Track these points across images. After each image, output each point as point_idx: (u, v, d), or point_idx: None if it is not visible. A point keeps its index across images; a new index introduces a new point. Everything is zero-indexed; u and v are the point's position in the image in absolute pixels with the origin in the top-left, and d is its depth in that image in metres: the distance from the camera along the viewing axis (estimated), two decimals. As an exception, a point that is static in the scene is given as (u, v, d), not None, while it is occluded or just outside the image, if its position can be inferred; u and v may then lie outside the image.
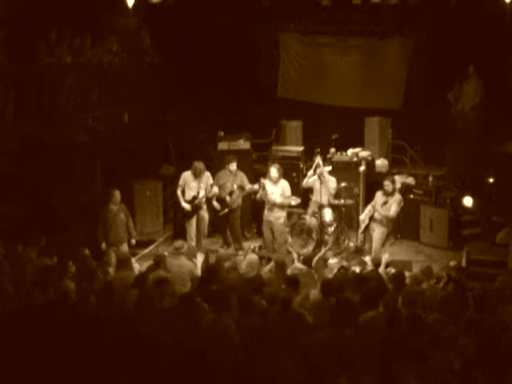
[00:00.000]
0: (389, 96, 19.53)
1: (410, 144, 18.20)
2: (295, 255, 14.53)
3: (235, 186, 15.47)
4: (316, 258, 14.48)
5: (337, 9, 19.22)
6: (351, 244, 15.38)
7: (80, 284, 10.72)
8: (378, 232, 14.86)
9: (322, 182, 15.10)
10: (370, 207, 15.09)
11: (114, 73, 17.37)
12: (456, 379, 7.48)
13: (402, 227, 16.58)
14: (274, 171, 15.09)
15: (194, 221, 15.30)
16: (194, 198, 15.14)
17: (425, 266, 11.78)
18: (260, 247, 15.32)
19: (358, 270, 13.63)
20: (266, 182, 15.07)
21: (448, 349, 8.03)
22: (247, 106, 18.87)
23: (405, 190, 16.57)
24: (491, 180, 16.49)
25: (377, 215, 14.85)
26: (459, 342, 8.17)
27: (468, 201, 16.04)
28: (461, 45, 17.46)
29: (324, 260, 14.75)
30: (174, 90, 18.39)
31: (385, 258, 14.06)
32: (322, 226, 15.09)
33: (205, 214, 15.43)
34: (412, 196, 16.63)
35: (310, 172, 15.54)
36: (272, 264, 12.39)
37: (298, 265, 12.31)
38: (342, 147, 17.39)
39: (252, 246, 15.36)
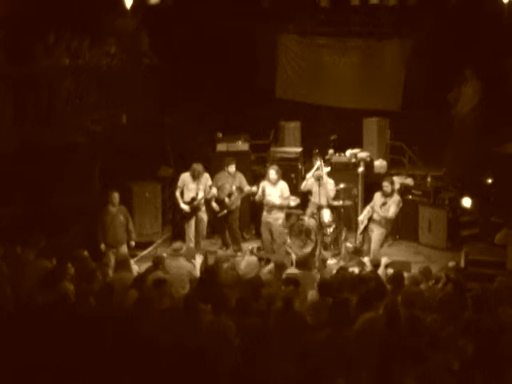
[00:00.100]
0: (387, 97, 19.54)
1: (409, 145, 18.21)
2: (294, 256, 14.52)
3: (234, 188, 15.48)
4: (315, 259, 14.53)
5: (335, 10, 19.25)
6: (350, 245, 15.37)
7: (79, 285, 10.72)
8: (376, 233, 14.86)
9: (320, 184, 15.09)
10: (368, 208, 15.09)
11: (113, 74, 17.35)
12: (455, 380, 7.48)
13: (401, 228, 16.58)
14: (272, 172, 15.10)
15: (192, 222, 15.31)
16: (193, 199, 15.15)
17: (423, 267, 11.78)
18: (259, 248, 15.32)
19: (356, 270, 13.64)
20: (265, 184, 15.09)
21: (447, 349, 8.03)
22: (246, 107, 18.86)
23: (403, 190, 16.57)
24: (490, 181, 16.51)
25: (375, 216, 14.85)
26: (458, 342, 8.16)
27: (467, 201, 16.05)
28: (459, 46, 17.48)
29: (323, 261, 14.76)
30: (172, 92, 18.39)
31: (384, 260, 14.11)
32: (321, 226, 15.10)
33: (203, 215, 15.44)
34: (411, 197, 16.64)
35: (309, 175, 15.54)
36: (271, 265, 12.38)
37: (292, 270, 12.21)
38: (341, 148, 17.42)
39: (250, 247, 15.37)
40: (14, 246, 12.06)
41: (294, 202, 15.36)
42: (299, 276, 11.14)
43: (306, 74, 20.35)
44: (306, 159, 17.20)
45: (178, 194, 15.27)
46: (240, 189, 15.54)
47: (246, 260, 12.86)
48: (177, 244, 12.73)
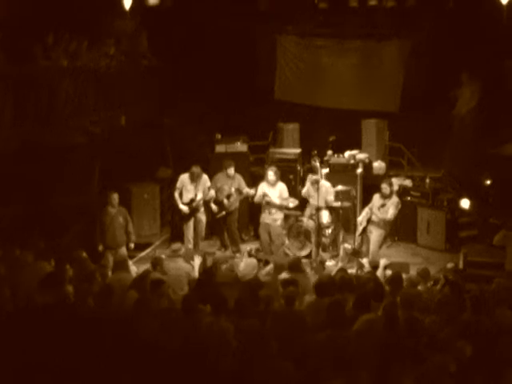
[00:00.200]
0: (386, 98, 19.55)
1: (407, 146, 18.23)
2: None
3: (233, 189, 15.49)
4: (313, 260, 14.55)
5: (334, 11, 19.24)
6: (349, 246, 15.38)
7: (78, 286, 10.71)
8: (375, 234, 14.87)
9: (317, 188, 15.07)
10: (367, 209, 15.09)
11: (111, 76, 17.37)
12: (453, 381, 7.49)
13: (399, 229, 16.58)
14: (271, 174, 15.12)
15: (191, 223, 15.32)
16: (192, 200, 15.16)
17: (421, 268, 11.79)
18: (257, 250, 15.32)
19: (355, 272, 13.65)
20: (264, 185, 15.11)
21: (445, 351, 8.04)
22: (244, 109, 18.87)
23: (402, 192, 16.59)
24: (488, 182, 16.51)
25: (374, 217, 14.86)
26: (456, 344, 8.17)
27: (465, 203, 16.06)
28: (458, 47, 17.50)
29: (321, 262, 14.77)
30: (171, 93, 18.40)
31: (383, 261, 14.12)
32: (320, 228, 15.10)
33: (202, 216, 15.45)
34: (409, 198, 16.65)
35: (307, 182, 15.53)
36: (270, 266, 12.38)
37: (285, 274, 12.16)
38: (339, 149, 17.41)
39: (249, 249, 15.38)
40: (13, 247, 12.06)
41: (292, 203, 15.37)
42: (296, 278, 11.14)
43: (305, 76, 20.35)
44: (305, 160, 17.20)
45: (176, 195, 15.28)
46: (239, 190, 15.55)
47: (244, 261, 12.87)
48: (175, 245, 12.74)
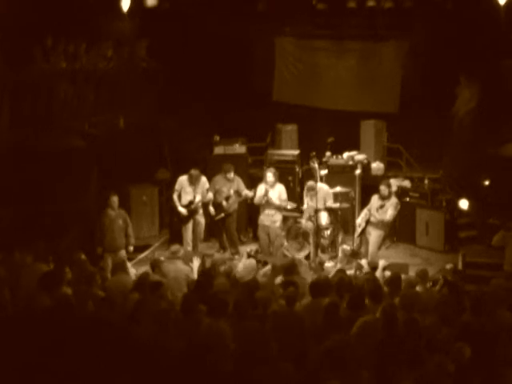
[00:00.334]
0: (384, 99, 19.55)
1: (406, 147, 18.24)
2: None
3: (232, 191, 15.50)
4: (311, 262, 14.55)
5: (332, 13, 19.29)
6: (347, 247, 15.37)
7: (78, 289, 10.71)
8: (374, 235, 14.87)
9: (314, 194, 15.06)
10: (366, 211, 15.09)
11: (110, 78, 17.37)
12: (452, 382, 7.48)
13: (398, 230, 16.56)
14: (269, 175, 15.13)
15: (190, 225, 15.32)
16: (190, 202, 15.15)
17: (420, 269, 11.78)
18: (256, 251, 15.31)
19: (354, 273, 13.64)
20: (263, 187, 15.12)
21: (444, 352, 8.03)
22: (243, 110, 18.84)
23: (401, 193, 16.59)
24: (487, 183, 16.50)
25: (373, 219, 14.86)
26: (455, 345, 8.16)
27: (464, 203, 16.05)
28: (456, 48, 17.50)
29: (320, 264, 14.76)
30: (169, 95, 18.39)
31: (382, 262, 14.12)
32: (318, 229, 15.10)
33: (201, 218, 15.44)
34: (408, 199, 16.65)
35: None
36: (268, 268, 12.38)
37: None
38: (338, 151, 17.42)
39: (248, 250, 15.37)
40: (12, 249, 12.06)
41: (290, 206, 15.41)
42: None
43: (303, 77, 20.35)
44: (304, 162, 17.20)
45: (175, 197, 15.29)
46: (238, 192, 15.56)
47: (243, 262, 12.85)
48: (174, 247, 12.75)
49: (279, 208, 15.15)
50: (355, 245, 15.38)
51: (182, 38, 18.79)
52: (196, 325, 9.04)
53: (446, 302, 10.05)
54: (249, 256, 14.63)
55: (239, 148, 17.28)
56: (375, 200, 14.97)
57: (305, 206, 15.48)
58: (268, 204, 15.13)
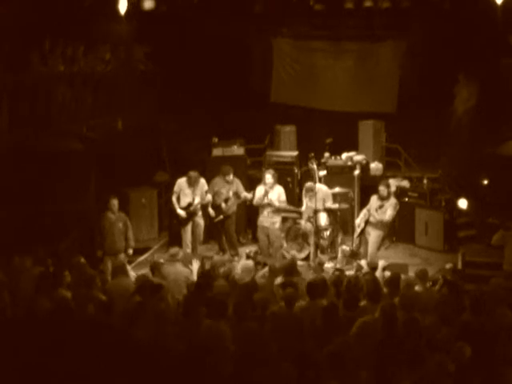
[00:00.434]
0: (382, 99, 19.53)
1: (404, 147, 18.24)
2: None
3: (231, 193, 15.50)
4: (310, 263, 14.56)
5: (329, 13, 19.25)
6: (347, 248, 15.37)
7: (77, 292, 10.71)
8: (373, 235, 14.86)
9: (313, 195, 15.05)
10: (365, 211, 15.09)
11: (108, 81, 17.38)
12: (452, 382, 7.48)
13: (398, 230, 16.54)
14: (268, 177, 15.12)
15: (189, 227, 15.31)
16: (189, 204, 15.15)
17: (420, 269, 11.77)
18: (256, 252, 15.31)
19: (353, 273, 13.63)
20: (262, 188, 15.12)
21: (444, 351, 8.03)
22: (241, 112, 18.84)
23: (400, 193, 16.58)
24: (486, 182, 16.50)
25: (372, 219, 14.85)
26: (455, 344, 8.16)
27: (463, 203, 16.05)
28: (454, 47, 17.51)
29: (320, 264, 14.74)
30: (167, 97, 18.39)
31: (381, 262, 14.11)
32: (318, 230, 15.10)
33: (200, 220, 15.44)
34: (407, 199, 16.64)
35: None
36: (266, 269, 12.38)
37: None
38: (336, 151, 17.40)
39: (248, 251, 15.36)
40: (11, 251, 12.06)
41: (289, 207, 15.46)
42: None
43: (301, 78, 20.33)
44: (302, 163, 17.19)
45: (174, 199, 15.29)
46: (237, 194, 15.56)
47: (241, 264, 12.84)
48: (173, 249, 12.73)
49: (279, 209, 15.15)
50: (354, 245, 15.37)
51: (179, 40, 18.78)
52: (196, 327, 9.04)
53: (446, 301, 10.06)
54: (248, 257, 14.63)
55: (237, 150, 17.28)
56: (374, 200, 14.96)
57: (303, 207, 15.48)
58: (267, 205, 15.12)
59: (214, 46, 18.85)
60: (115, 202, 14.21)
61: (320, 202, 15.05)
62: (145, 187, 17.12)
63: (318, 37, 19.98)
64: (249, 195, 15.45)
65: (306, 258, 15.23)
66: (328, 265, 14.81)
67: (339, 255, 15.24)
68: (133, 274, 12.79)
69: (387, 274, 13.25)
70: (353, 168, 16.99)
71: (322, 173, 16.15)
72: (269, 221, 15.14)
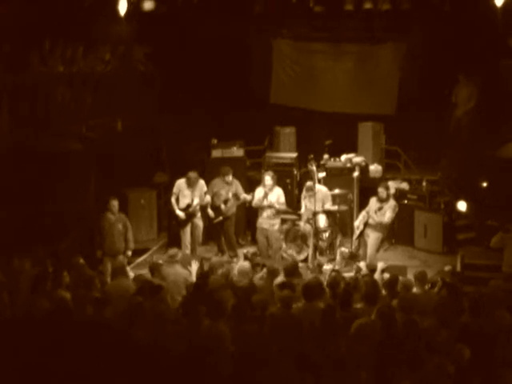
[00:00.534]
0: (382, 101, 19.52)
1: (404, 149, 18.21)
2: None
3: (230, 194, 15.49)
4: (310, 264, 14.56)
5: (329, 15, 19.25)
6: (346, 250, 15.36)
7: (76, 293, 10.70)
8: (372, 237, 14.86)
9: (313, 195, 15.05)
10: (364, 213, 15.09)
11: (107, 81, 17.37)
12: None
13: (397, 232, 16.54)
14: (268, 179, 15.10)
15: (188, 229, 15.31)
16: (188, 205, 15.15)
17: (419, 271, 11.77)
18: (254, 254, 15.30)
19: (352, 275, 13.63)
20: (261, 189, 15.12)
21: (443, 354, 8.03)
22: (240, 113, 18.83)
23: (399, 195, 16.57)
24: (485, 184, 16.49)
25: (371, 221, 14.86)
26: (455, 346, 8.17)
27: (462, 205, 16.04)
28: (454, 49, 17.51)
29: (319, 266, 14.75)
30: (167, 98, 18.39)
31: (380, 265, 14.10)
32: (317, 232, 15.09)
33: (199, 221, 15.44)
34: (406, 201, 16.63)
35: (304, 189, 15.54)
36: (264, 271, 12.37)
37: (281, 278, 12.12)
38: (336, 153, 17.40)
39: (245, 251, 15.36)
40: (11, 251, 12.05)
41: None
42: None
43: (301, 80, 20.32)
44: (302, 164, 17.18)
45: (173, 200, 15.29)
46: (236, 196, 15.56)
47: (238, 266, 12.80)
48: (172, 250, 12.70)
49: (279, 211, 15.14)
50: (353, 247, 15.39)
51: (179, 41, 18.77)
52: (196, 327, 9.04)
53: (445, 303, 10.06)
54: (245, 257, 14.63)
55: (237, 151, 17.28)
56: (373, 202, 14.97)
57: (302, 209, 15.47)
58: (267, 207, 15.11)
59: (213, 47, 18.84)
60: (115, 203, 14.21)
61: (319, 203, 15.04)
62: (144, 188, 17.12)
63: (318, 38, 19.97)
64: (248, 197, 15.45)
65: (305, 260, 15.21)
66: (327, 267, 14.83)
67: (338, 257, 15.24)
68: (132, 275, 12.79)
69: (386, 276, 13.23)
70: (352, 170, 16.99)
71: (322, 174, 16.14)
72: (268, 222, 15.13)
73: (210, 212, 15.55)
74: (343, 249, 15.40)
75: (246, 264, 12.55)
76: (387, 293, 10.73)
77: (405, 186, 17.06)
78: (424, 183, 16.87)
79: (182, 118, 18.42)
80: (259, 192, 15.22)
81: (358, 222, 15.11)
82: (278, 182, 15.48)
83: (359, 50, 19.74)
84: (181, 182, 15.26)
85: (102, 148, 16.18)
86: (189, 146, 18.35)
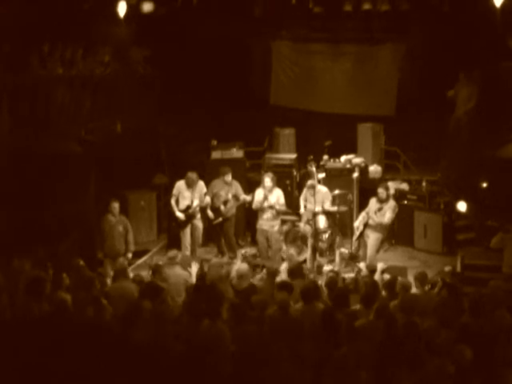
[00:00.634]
0: (381, 102, 19.54)
1: (403, 150, 18.23)
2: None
3: (230, 196, 15.49)
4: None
5: (328, 16, 19.26)
6: (345, 251, 15.36)
7: (76, 295, 10.70)
8: (372, 238, 14.86)
9: (314, 193, 15.06)
10: (364, 214, 15.09)
11: (107, 83, 17.37)
12: (452, 384, 7.50)
13: (397, 233, 16.54)
14: (267, 180, 15.10)
15: (188, 230, 15.32)
16: (188, 207, 15.16)
17: (419, 272, 11.78)
18: (254, 255, 15.30)
19: (352, 276, 13.63)
20: (261, 191, 15.12)
21: (444, 354, 8.03)
22: (240, 114, 18.84)
23: (398, 195, 16.57)
24: (485, 185, 16.48)
25: (371, 222, 14.86)
26: (455, 347, 8.16)
27: (462, 206, 16.03)
28: (453, 50, 17.51)
29: (318, 267, 14.74)
30: (166, 100, 18.39)
31: (380, 265, 14.10)
32: (316, 233, 15.08)
33: (199, 223, 15.44)
34: (406, 202, 16.62)
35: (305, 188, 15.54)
36: (263, 272, 12.37)
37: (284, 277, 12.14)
38: (335, 154, 17.40)
39: (243, 251, 15.36)
40: (10, 253, 12.05)
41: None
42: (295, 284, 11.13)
43: (300, 81, 20.33)
44: (301, 166, 17.19)
45: (173, 202, 15.29)
46: (236, 197, 15.56)
47: (236, 268, 12.80)
48: (172, 252, 12.71)
49: (279, 212, 15.15)
50: (353, 248, 15.38)
51: (178, 43, 18.78)
52: (196, 327, 9.05)
53: (445, 304, 10.07)
54: (244, 258, 14.63)
55: (237, 152, 17.29)
56: (373, 203, 14.97)
57: (302, 209, 15.47)
58: (267, 209, 15.11)
59: (213, 49, 18.85)
60: (116, 205, 14.23)
61: (319, 203, 15.04)
62: (144, 190, 17.14)
63: (317, 39, 19.99)
64: (248, 198, 15.45)
65: (305, 261, 15.20)
66: (326, 267, 14.81)
67: (338, 258, 15.23)
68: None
69: (386, 276, 13.23)
70: (352, 171, 16.98)
71: (321, 175, 16.14)
72: (268, 224, 15.13)
73: (210, 213, 15.55)
74: (343, 250, 15.39)
75: (245, 266, 12.56)
76: (387, 294, 10.73)
77: (404, 186, 17.06)
78: (424, 184, 16.88)
79: (181, 120, 18.42)
80: (259, 193, 15.22)
81: (358, 223, 15.11)
82: (278, 183, 15.48)
83: (358, 50, 19.76)
84: (180, 184, 15.26)
85: (101, 150, 16.17)
86: (188, 148, 18.37)
